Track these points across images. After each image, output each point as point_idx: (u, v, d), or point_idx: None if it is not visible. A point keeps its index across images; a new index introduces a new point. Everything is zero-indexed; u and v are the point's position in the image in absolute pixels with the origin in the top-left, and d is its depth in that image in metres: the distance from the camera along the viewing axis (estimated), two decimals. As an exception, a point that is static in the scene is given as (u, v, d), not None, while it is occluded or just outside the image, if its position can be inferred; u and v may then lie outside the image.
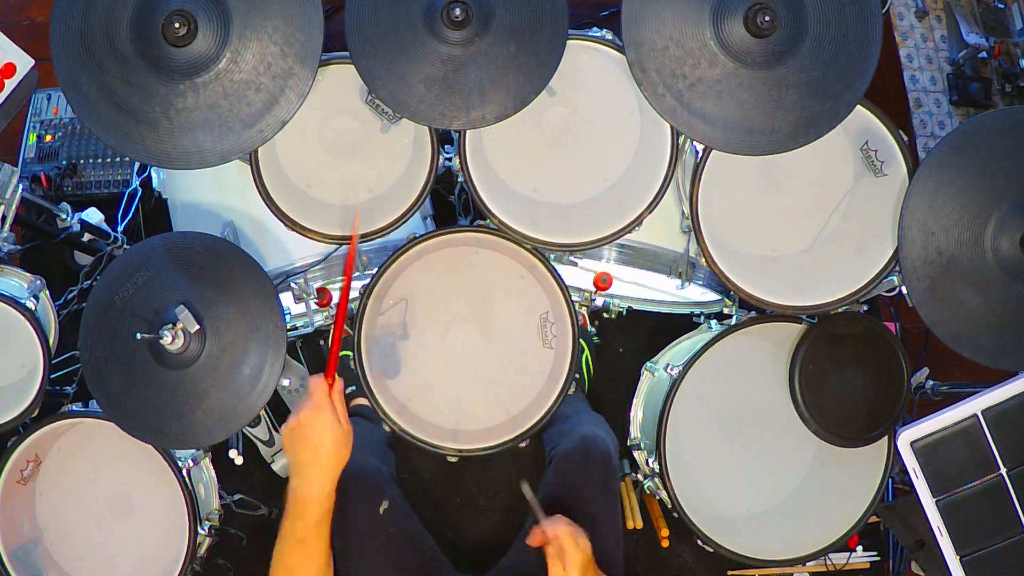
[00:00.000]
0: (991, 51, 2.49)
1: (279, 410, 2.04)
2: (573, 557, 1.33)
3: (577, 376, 2.01)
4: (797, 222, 1.62)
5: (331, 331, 1.32)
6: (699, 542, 1.67)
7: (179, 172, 1.75)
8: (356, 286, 1.76)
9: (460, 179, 1.54)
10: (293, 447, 1.29)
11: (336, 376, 1.31)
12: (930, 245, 1.43)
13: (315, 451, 1.27)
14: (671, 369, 1.67)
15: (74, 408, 1.62)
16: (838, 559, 2.00)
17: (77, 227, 1.92)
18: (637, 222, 1.54)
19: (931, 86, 2.56)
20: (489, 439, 1.62)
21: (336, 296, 1.86)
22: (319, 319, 1.89)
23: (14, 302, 1.53)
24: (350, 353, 2.01)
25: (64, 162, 2.19)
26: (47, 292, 1.64)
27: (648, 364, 1.88)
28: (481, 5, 1.38)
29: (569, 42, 1.42)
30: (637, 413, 1.87)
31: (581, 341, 1.77)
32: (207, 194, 1.72)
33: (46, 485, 1.65)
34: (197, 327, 1.41)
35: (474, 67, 1.40)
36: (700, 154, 1.50)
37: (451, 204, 2.00)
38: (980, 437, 1.41)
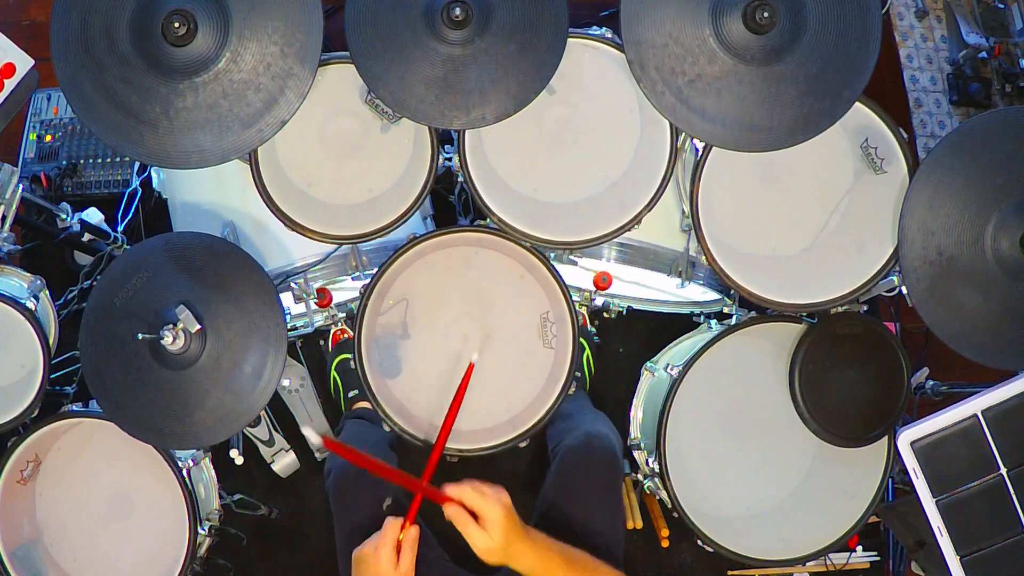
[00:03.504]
0: (991, 51, 2.49)
1: (279, 410, 2.05)
2: (489, 514, 1.25)
3: (578, 374, 2.01)
4: (797, 220, 1.62)
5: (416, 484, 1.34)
6: (699, 542, 1.67)
7: (179, 172, 1.75)
8: (356, 286, 1.76)
9: (460, 179, 1.54)
10: (355, 573, 1.33)
11: (415, 523, 1.31)
12: (930, 245, 1.43)
13: None
14: (671, 369, 1.67)
15: (74, 408, 1.61)
16: (838, 559, 2.00)
17: (77, 227, 1.92)
18: (637, 220, 1.54)
19: (931, 86, 2.56)
20: (489, 439, 1.62)
21: (335, 296, 1.86)
22: (319, 319, 1.90)
23: (14, 302, 1.53)
24: (349, 355, 2.03)
25: (64, 162, 2.19)
26: (47, 292, 1.64)
27: (648, 364, 1.88)
28: (481, 5, 1.38)
29: (569, 41, 1.42)
30: (637, 413, 1.87)
31: (582, 340, 1.77)
32: (207, 194, 1.72)
33: (46, 485, 1.65)
34: (198, 327, 1.41)
35: (474, 67, 1.40)
36: (700, 152, 1.50)
37: (451, 204, 2.00)
38: (980, 437, 1.41)
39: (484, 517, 1.25)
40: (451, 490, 1.28)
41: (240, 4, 1.36)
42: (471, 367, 1.39)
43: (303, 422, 2.06)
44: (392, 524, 1.31)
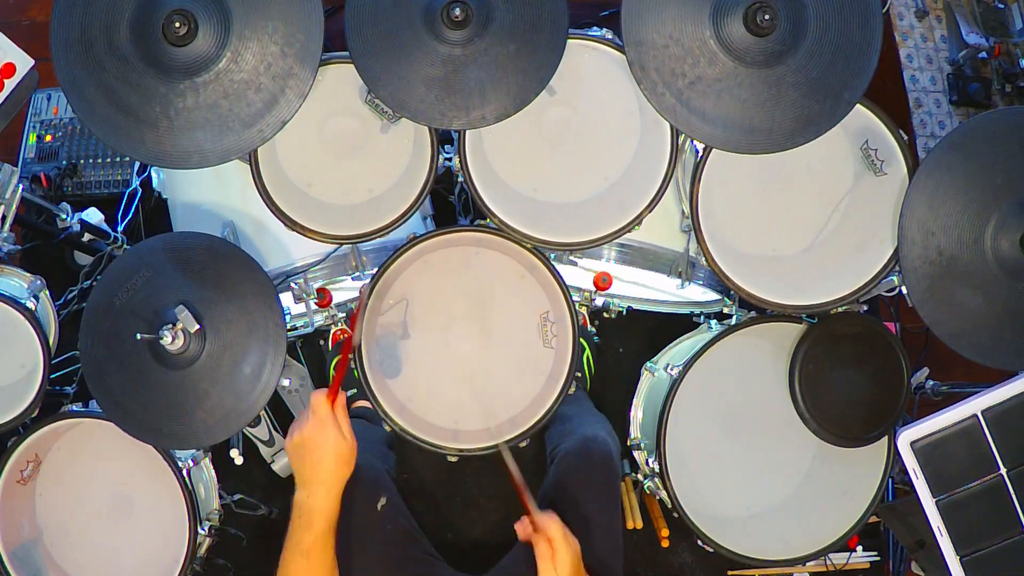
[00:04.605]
0: (991, 51, 2.49)
1: (279, 410, 2.05)
2: (563, 557, 1.32)
3: (579, 375, 2.01)
4: (797, 221, 1.62)
5: (338, 347, 1.34)
6: (699, 542, 1.67)
7: (179, 172, 1.75)
8: (356, 286, 1.76)
9: (460, 179, 1.54)
10: (298, 462, 1.32)
11: (340, 390, 1.33)
12: (930, 245, 1.43)
13: (319, 466, 1.30)
14: (671, 369, 1.67)
15: (74, 408, 1.62)
16: (838, 559, 2.00)
17: (77, 227, 1.93)
18: (637, 221, 1.55)
19: (931, 86, 2.56)
20: (489, 439, 1.62)
21: (335, 296, 1.86)
22: (319, 319, 1.90)
23: (14, 302, 1.53)
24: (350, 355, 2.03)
25: (64, 162, 2.20)
26: (47, 292, 1.64)
27: (648, 364, 1.88)
28: (481, 5, 1.38)
29: (569, 42, 1.42)
30: (637, 413, 1.87)
31: (582, 340, 1.77)
32: (207, 194, 1.72)
33: (46, 485, 1.65)
34: (197, 327, 1.41)
35: (474, 67, 1.40)
36: (700, 153, 1.50)
37: (451, 204, 2.00)
38: (980, 437, 1.41)
39: (559, 557, 1.31)
40: (542, 522, 1.34)
41: (240, 4, 1.36)
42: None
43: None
44: (319, 398, 1.31)
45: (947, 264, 1.43)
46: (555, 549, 1.31)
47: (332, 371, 1.32)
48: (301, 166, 1.59)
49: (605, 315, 1.99)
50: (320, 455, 1.29)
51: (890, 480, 1.77)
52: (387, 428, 1.61)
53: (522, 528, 1.36)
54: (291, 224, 1.53)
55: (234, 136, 1.39)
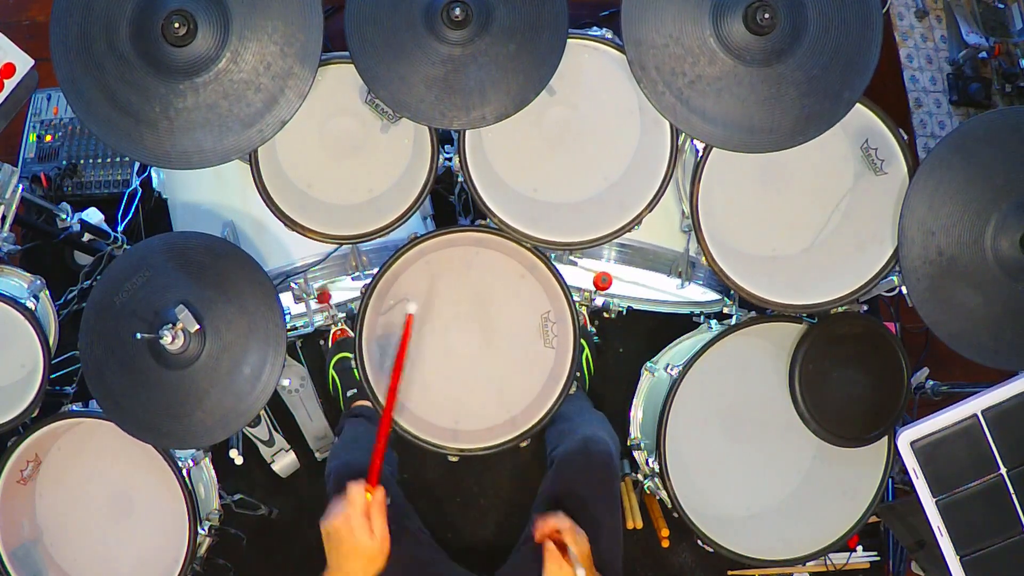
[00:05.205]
0: (991, 51, 2.49)
1: (279, 410, 2.05)
2: (575, 552, 1.33)
3: (579, 375, 2.01)
4: (797, 221, 1.62)
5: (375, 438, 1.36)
6: (699, 542, 1.67)
7: (179, 172, 1.75)
8: (356, 286, 1.76)
9: (460, 179, 1.54)
10: (327, 547, 1.31)
11: (378, 485, 1.32)
12: (930, 245, 1.43)
13: (346, 560, 1.29)
14: (671, 369, 1.67)
15: (74, 408, 1.62)
16: (838, 559, 2.00)
17: (77, 227, 1.93)
18: (637, 221, 1.54)
19: (931, 86, 2.56)
20: (490, 439, 1.62)
21: (334, 296, 1.86)
22: (319, 319, 1.90)
23: (14, 302, 1.53)
24: (350, 355, 2.03)
25: (64, 162, 2.20)
26: (47, 292, 1.64)
27: (648, 364, 1.88)
28: (481, 5, 1.38)
29: (569, 41, 1.42)
30: (637, 413, 1.88)
31: (582, 340, 1.77)
32: (207, 194, 1.72)
33: (46, 485, 1.65)
34: (197, 327, 1.41)
35: (474, 67, 1.40)
36: (700, 153, 1.50)
37: (451, 204, 2.00)
38: (980, 437, 1.41)
39: (570, 555, 1.32)
40: (555, 521, 1.36)
41: (240, 4, 1.36)
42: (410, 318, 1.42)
43: (303, 422, 2.06)
44: (356, 489, 1.30)
45: (947, 264, 1.43)
46: (568, 547, 1.33)
47: (372, 456, 1.36)
48: (301, 166, 1.59)
49: (605, 315, 1.99)
50: (347, 550, 1.28)
51: (890, 480, 1.77)
52: (387, 428, 1.61)
53: (539, 527, 1.37)
54: (291, 224, 1.53)
55: (234, 136, 1.39)
